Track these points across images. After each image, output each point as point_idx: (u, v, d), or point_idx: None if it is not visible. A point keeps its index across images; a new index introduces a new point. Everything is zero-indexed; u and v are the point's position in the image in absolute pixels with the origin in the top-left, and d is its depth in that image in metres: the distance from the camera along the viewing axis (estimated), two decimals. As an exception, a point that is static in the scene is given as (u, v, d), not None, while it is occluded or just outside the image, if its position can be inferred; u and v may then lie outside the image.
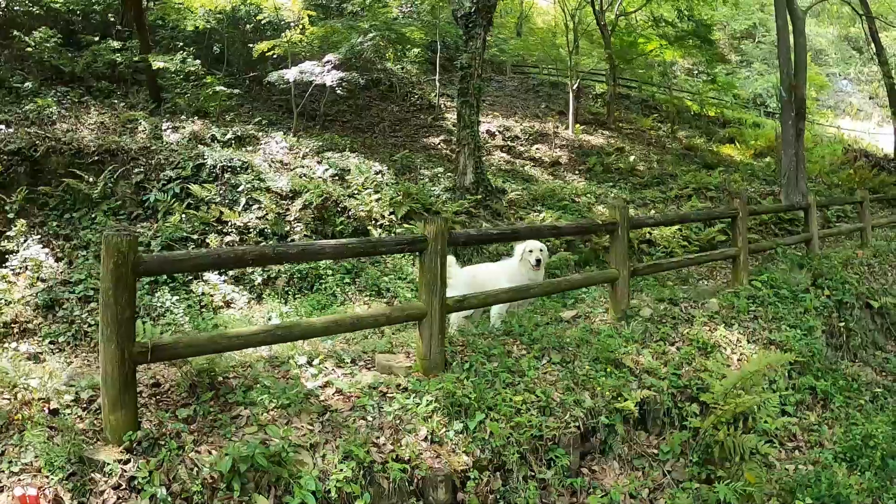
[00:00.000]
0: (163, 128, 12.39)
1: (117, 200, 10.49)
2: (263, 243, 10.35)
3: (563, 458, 4.84)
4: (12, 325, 8.26)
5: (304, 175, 12.46)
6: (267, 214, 11.07)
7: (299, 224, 11.43)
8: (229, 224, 10.77)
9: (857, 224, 14.30)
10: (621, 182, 18.70)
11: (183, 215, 10.41)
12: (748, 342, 7.11)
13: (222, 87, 15.09)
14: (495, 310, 6.85)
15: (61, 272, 9.05)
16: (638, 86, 29.00)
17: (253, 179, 11.55)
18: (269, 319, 8.67)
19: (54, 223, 9.97)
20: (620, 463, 5.23)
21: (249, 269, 10.31)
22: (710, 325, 7.24)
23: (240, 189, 11.30)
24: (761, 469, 5.29)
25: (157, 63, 13.90)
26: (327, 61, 15.47)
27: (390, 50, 21.82)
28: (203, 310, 9.21)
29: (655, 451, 5.43)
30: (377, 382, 4.94)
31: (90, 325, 8.29)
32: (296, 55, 16.08)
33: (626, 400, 5.36)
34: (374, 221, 12.41)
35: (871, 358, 8.91)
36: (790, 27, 16.48)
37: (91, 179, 10.46)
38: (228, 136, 12.66)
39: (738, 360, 6.71)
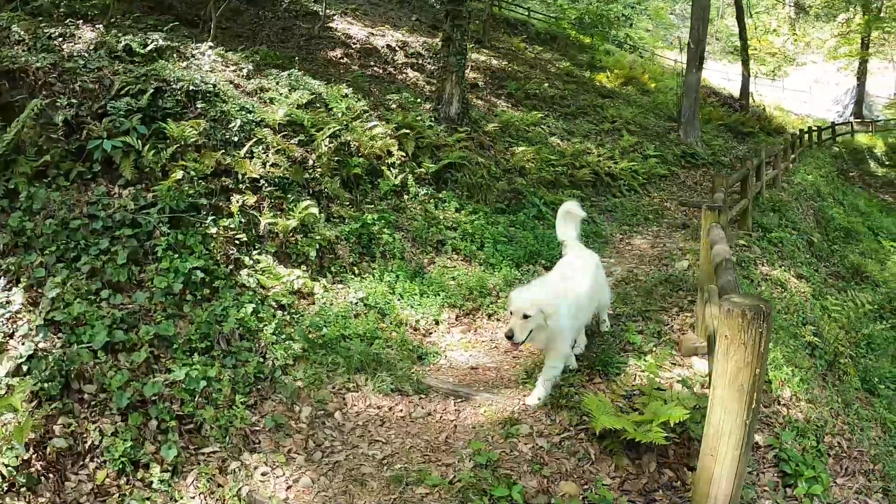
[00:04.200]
0: (49, 33, 7.72)
1: (40, 152, 6.14)
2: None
3: None
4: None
5: (273, 101, 8.76)
6: (276, 162, 7.46)
7: (319, 169, 7.99)
8: (239, 177, 7.03)
9: (774, 171, 16.66)
10: (549, 111, 17.14)
11: (183, 172, 6.46)
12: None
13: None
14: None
15: None
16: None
17: (239, 111, 7.72)
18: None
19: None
20: None
21: (297, 236, 6.93)
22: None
23: (232, 125, 7.45)
24: None
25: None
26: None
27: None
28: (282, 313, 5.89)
29: None
30: None
31: None
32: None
33: None
34: (380, 160, 9.31)
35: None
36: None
37: (-11, 119, 5.99)
38: (150, 46, 8.36)
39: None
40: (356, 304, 7.00)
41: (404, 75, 15.18)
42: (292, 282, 6.62)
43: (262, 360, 5.53)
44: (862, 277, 14.49)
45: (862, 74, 34.88)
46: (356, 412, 5.32)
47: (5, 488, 3.80)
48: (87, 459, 4.22)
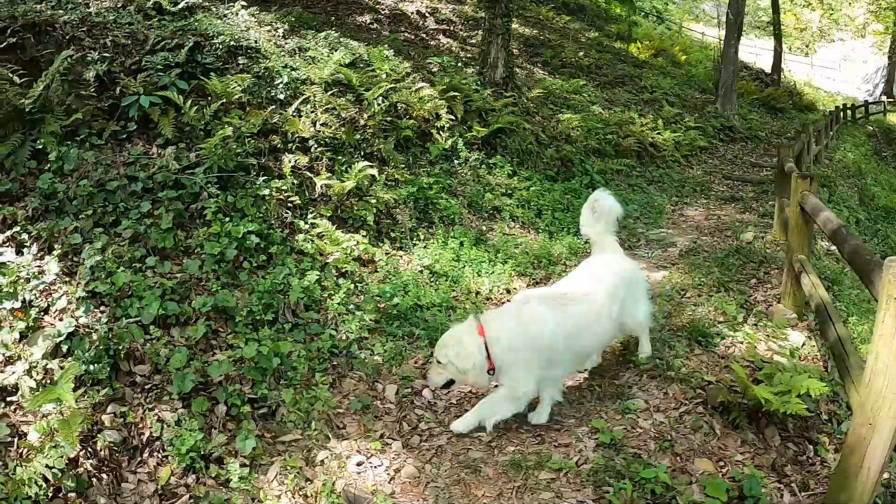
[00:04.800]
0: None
1: (69, 111, 5.39)
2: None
3: None
4: None
5: (315, 60, 7.97)
6: (326, 121, 6.68)
7: (370, 130, 7.22)
8: (288, 136, 6.26)
9: (817, 147, 16.27)
10: (587, 79, 16.26)
11: (229, 127, 5.70)
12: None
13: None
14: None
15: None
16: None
17: (284, 68, 6.94)
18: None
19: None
20: None
21: (352, 200, 6.18)
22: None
23: (278, 82, 6.67)
24: None
25: None
26: None
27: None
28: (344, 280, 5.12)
29: None
30: None
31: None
32: None
33: None
34: (428, 122, 8.54)
35: None
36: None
37: (16, 79, 5.22)
38: (181, 5, 7.59)
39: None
40: (422, 271, 6.24)
41: (437, 41, 14.32)
42: (352, 248, 5.83)
43: (333, 332, 4.75)
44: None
45: (893, 53, 33.53)
46: (446, 390, 4.53)
47: (50, 495, 3.03)
48: (146, 454, 3.45)
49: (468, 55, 13.73)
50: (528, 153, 10.04)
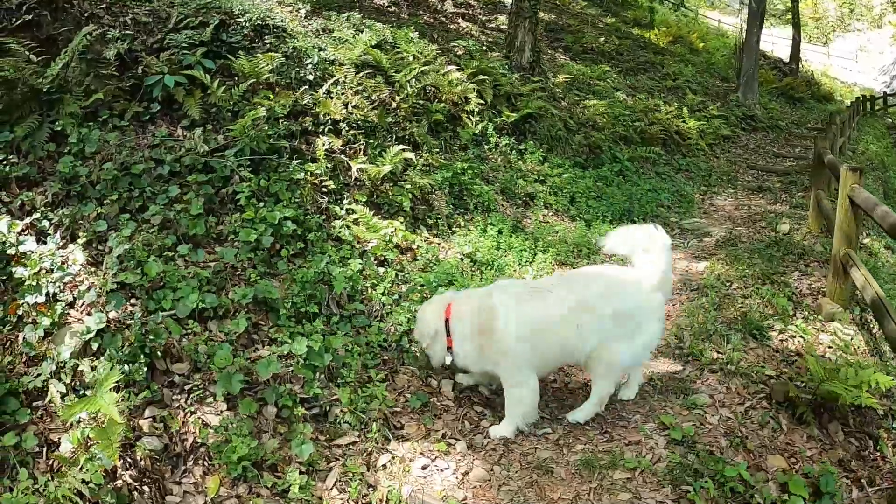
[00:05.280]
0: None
1: (88, 92, 5.00)
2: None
3: None
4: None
5: (345, 41, 7.57)
6: (357, 104, 6.29)
7: (402, 113, 6.85)
8: (321, 118, 5.88)
9: (841, 139, 15.18)
10: (610, 66, 15.83)
11: (262, 108, 5.31)
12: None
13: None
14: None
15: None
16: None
17: (313, 48, 6.56)
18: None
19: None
20: None
21: (387, 185, 5.83)
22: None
23: (307, 63, 6.29)
24: None
25: None
26: None
27: None
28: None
29: None
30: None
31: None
32: None
33: None
34: (457, 106, 8.15)
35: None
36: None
37: (33, 57, 4.84)
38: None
39: None
40: (463, 259, 5.86)
41: (456, 25, 13.89)
42: (390, 235, 5.45)
43: (381, 325, 4.37)
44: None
45: None
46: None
47: (88, 511, 2.67)
48: (190, 463, 3.08)
49: (489, 39, 13.30)
50: (557, 139, 9.65)
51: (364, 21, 8.76)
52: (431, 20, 13.34)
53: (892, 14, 36.01)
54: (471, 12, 15.28)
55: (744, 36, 20.67)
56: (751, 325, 5.17)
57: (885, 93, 31.43)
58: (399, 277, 5.13)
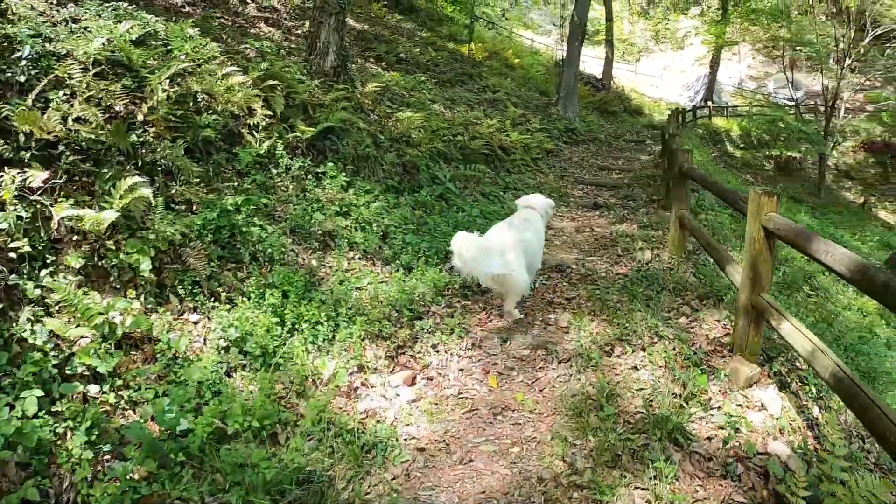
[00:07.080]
0: None
1: None
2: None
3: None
4: None
5: (88, 31, 5.68)
6: (85, 116, 4.53)
7: (152, 128, 5.16)
8: (21, 139, 4.07)
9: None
10: (426, 77, 14.92)
11: None
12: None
13: None
14: None
15: None
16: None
17: (31, 36, 4.68)
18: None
19: None
20: None
21: (118, 237, 4.12)
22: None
23: (17, 56, 4.43)
24: None
25: None
26: None
27: None
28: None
29: None
30: None
31: None
32: None
33: None
34: (238, 120, 6.60)
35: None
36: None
37: None
38: None
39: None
40: (227, 349, 4.30)
41: (257, 29, 12.07)
42: (113, 321, 3.76)
43: None
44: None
45: (715, 64, 36.95)
46: None
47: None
48: None
49: (293, 45, 11.70)
50: (364, 158, 8.23)
51: (131, 11, 6.83)
52: (229, 22, 11.45)
53: (695, 37, 40.04)
54: (276, 17, 13.55)
55: (565, 48, 20.97)
56: (666, 424, 3.87)
57: (694, 106, 34.51)
58: (117, 407, 3.44)
